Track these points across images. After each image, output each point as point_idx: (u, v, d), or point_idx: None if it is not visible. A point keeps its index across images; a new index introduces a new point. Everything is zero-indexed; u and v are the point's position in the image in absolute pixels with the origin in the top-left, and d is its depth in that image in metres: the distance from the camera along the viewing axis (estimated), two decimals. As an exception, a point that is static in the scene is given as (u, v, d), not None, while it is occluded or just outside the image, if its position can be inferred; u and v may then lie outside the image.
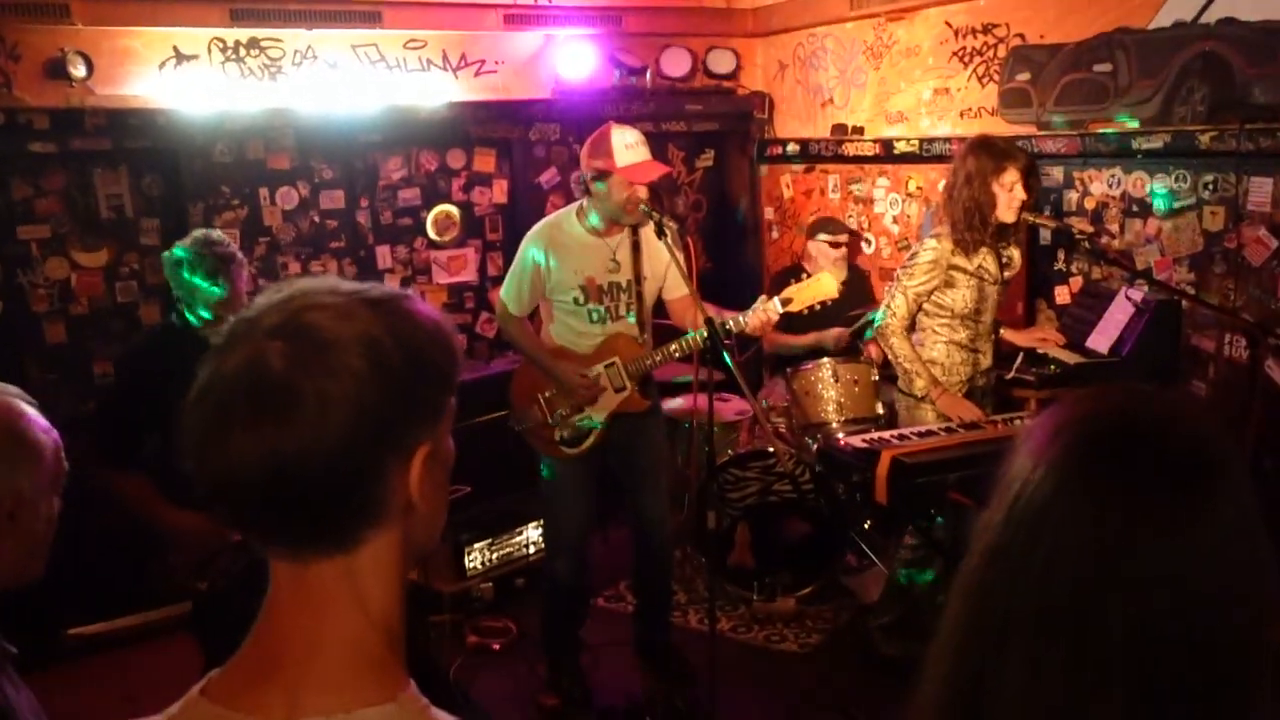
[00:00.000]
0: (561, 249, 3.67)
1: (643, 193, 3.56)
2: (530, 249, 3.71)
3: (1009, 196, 3.73)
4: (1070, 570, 0.89)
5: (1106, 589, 0.87)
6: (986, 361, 3.98)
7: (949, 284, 3.83)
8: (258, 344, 0.89)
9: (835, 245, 5.11)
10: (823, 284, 3.58)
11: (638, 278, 3.72)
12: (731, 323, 3.51)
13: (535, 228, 3.77)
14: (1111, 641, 0.87)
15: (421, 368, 0.94)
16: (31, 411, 1.56)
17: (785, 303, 3.54)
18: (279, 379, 0.87)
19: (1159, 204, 4.30)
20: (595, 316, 3.71)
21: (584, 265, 3.66)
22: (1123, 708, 0.86)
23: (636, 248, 3.71)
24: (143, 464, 3.04)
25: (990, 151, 3.77)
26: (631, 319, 3.74)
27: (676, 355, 3.70)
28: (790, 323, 4.99)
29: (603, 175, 3.54)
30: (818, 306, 3.66)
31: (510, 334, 3.86)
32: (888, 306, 3.87)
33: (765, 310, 3.51)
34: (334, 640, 0.93)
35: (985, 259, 3.84)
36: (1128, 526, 0.87)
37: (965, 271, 3.82)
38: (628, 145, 3.52)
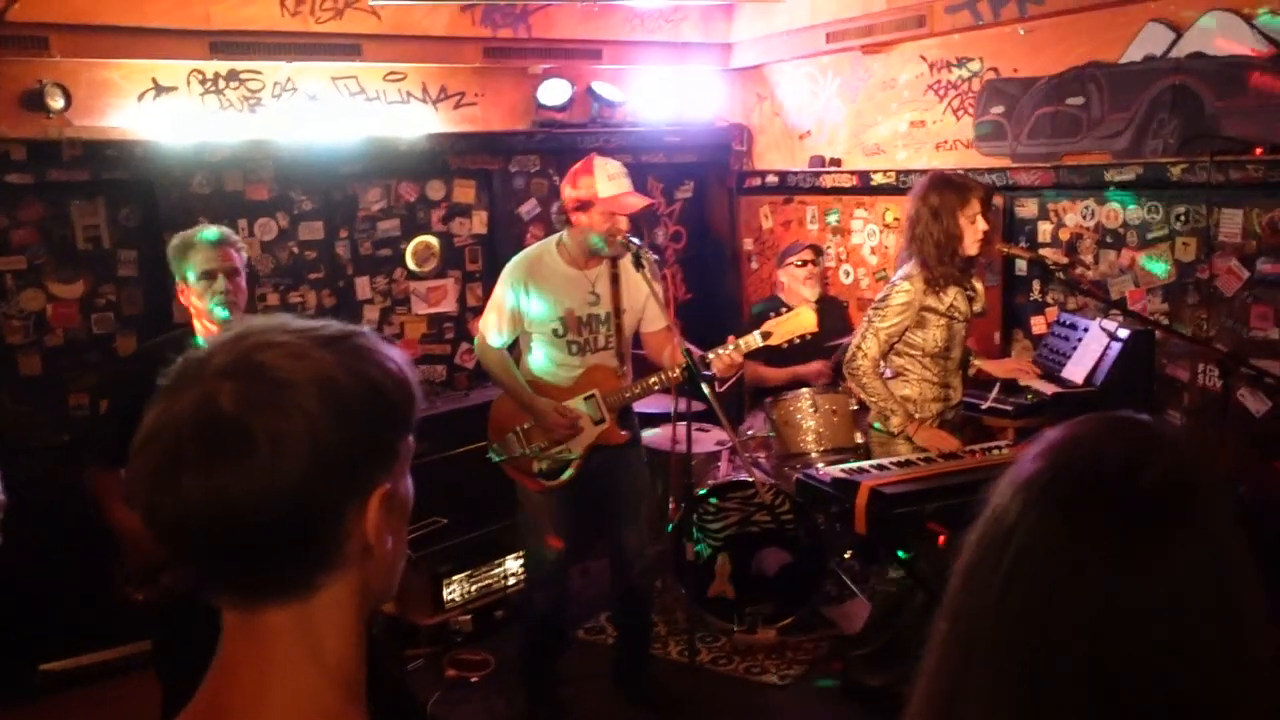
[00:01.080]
0: (541, 281, 3.67)
1: (624, 224, 3.57)
2: (510, 281, 3.71)
3: (974, 229, 3.78)
4: (1024, 598, 0.86)
5: (1060, 621, 0.84)
6: (957, 396, 4.01)
7: (920, 324, 3.86)
8: (208, 384, 0.87)
9: (801, 265, 5.14)
10: (802, 318, 3.60)
11: (617, 310, 3.72)
12: (711, 355, 3.53)
13: (515, 260, 3.76)
14: (1063, 682, 0.83)
15: (378, 407, 0.92)
16: None
17: (766, 335, 3.56)
18: (230, 420, 0.85)
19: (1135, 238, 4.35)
20: (574, 349, 3.70)
21: (563, 297, 3.67)
22: None
23: (615, 280, 3.72)
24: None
25: (952, 186, 3.81)
26: (610, 351, 3.75)
27: (656, 388, 3.70)
28: (769, 356, 5.01)
29: (585, 206, 3.55)
30: (797, 340, 3.68)
31: (489, 366, 3.84)
32: (859, 347, 3.88)
33: (731, 354, 3.52)
34: (284, 694, 0.90)
35: (956, 298, 3.88)
36: (1085, 558, 0.84)
37: (937, 312, 3.84)
38: (610, 176, 3.54)
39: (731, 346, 3.53)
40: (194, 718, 0.92)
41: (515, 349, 3.89)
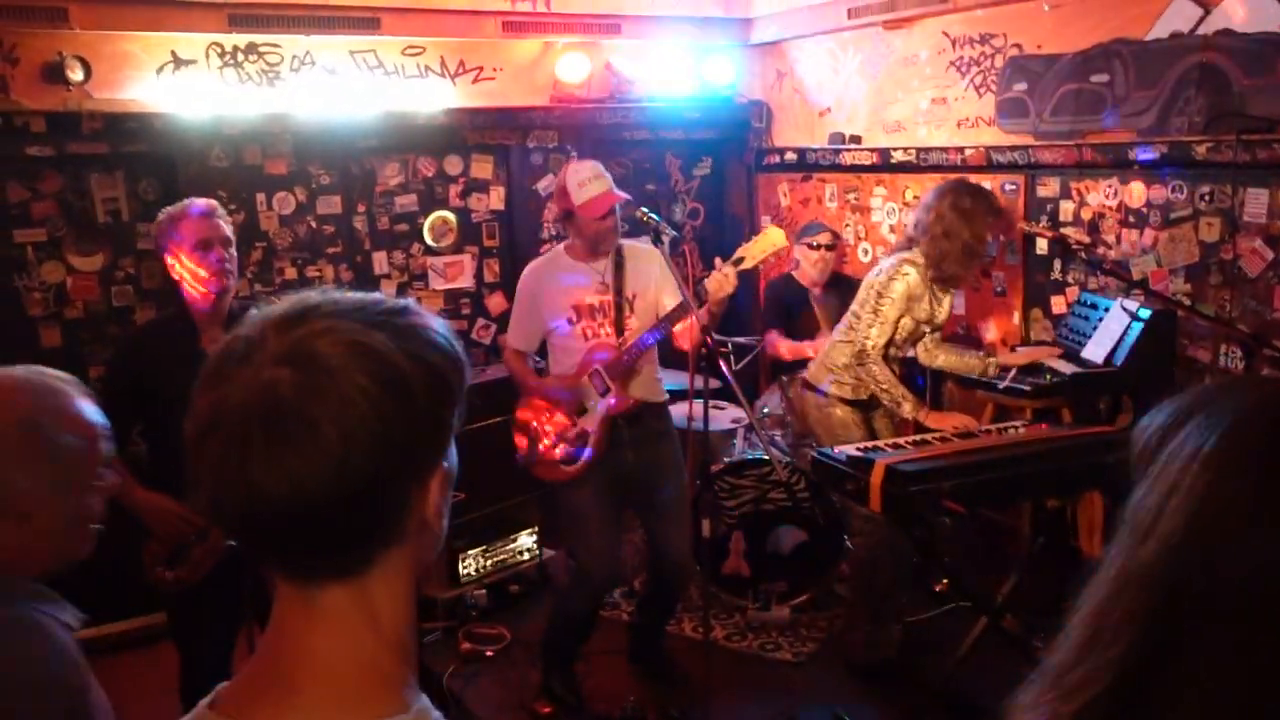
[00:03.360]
0: (550, 281, 3.82)
1: (610, 223, 3.67)
2: (523, 288, 3.89)
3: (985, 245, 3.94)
4: (1199, 541, 0.85)
5: (1232, 564, 0.83)
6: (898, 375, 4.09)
7: (908, 312, 3.94)
8: (265, 372, 0.86)
9: (813, 248, 5.12)
10: (770, 236, 3.60)
11: (618, 291, 3.78)
12: (701, 291, 3.55)
13: (529, 267, 3.94)
14: (1221, 623, 0.83)
15: (435, 386, 0.92)
16: (68, 404, 1.56)
17: (738, 262, 3.57)
18: (294, 409, 0.84)
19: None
20: (588, 335, 3.79)
21: (573, 290, 3.78)
22: None
23: (619, 267, 3.80)
24: (123, 447, 3.06)
25: (990, 202, 3.96)
26: (613, 332, 3.80)
27: (650, 342, 3.73)
28: (788, 322, 5.01)
29: (569, 217, 3.72)
30: (771, 258, 3.68)
31: (511, 370, 3.99)
32: (865, 337, 3.90)
33: (722, 273, 3.54)
34: (346, 661, 0.92)
35: (944, 303, 3.99)
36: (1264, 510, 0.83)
37: (921, 307, 3.94)
38: (581, 184, 3.64)
39: (719, 272, 3.55)
40: (257, 677, 0.94)
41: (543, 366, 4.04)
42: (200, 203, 3.15)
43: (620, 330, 3.78)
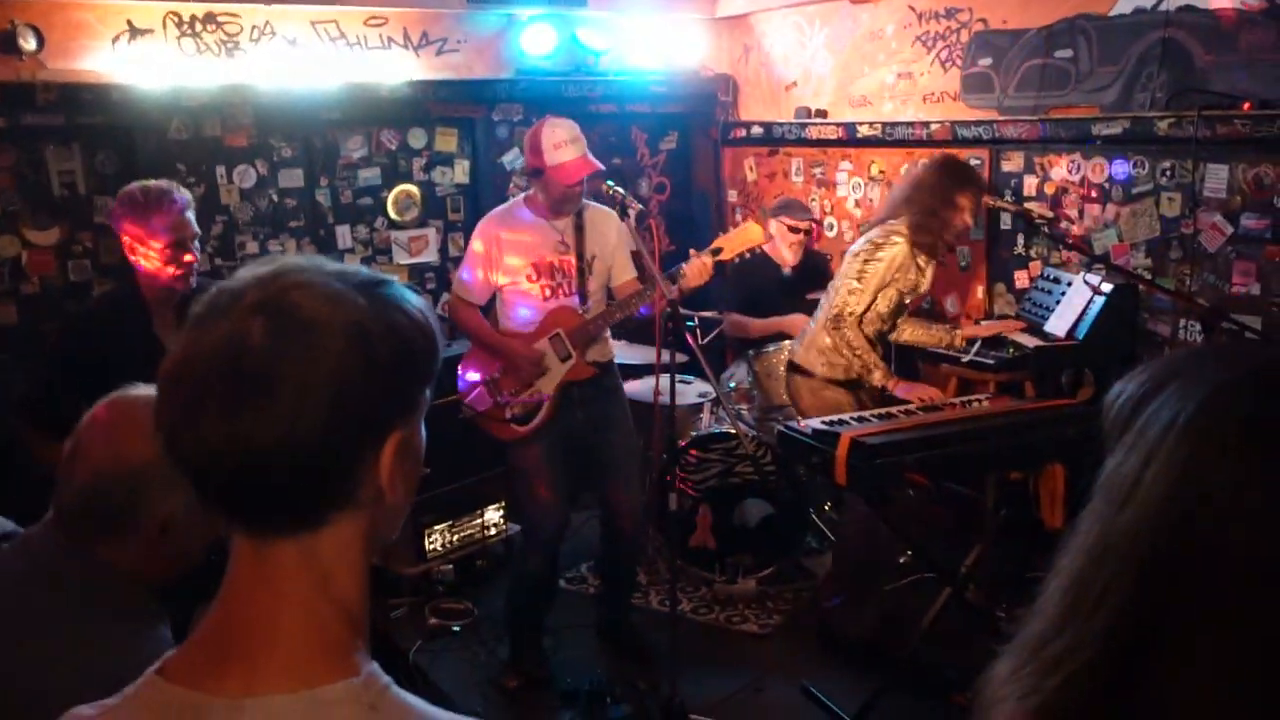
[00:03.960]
0: (511, 233, 3.75)
1: (576, 189, 3.65)
2: (481, 236, 3.78)
3: (966, 219, 3.94)
4: (1183, 497, 0.84)
5: (1219, 519, 0.82)
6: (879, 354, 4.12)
7: (893, 282, 3.94)
8: (238, 320, 0.87)
9: (794, 230, 5.11)
10: (749, 232, 3.64)
11: (580, 255, 3.77)
12: (677, 274, 3.55)
13: (486, 216, 3.85)
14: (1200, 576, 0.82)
15: (404, 358, 0.93)
16: None
17: (716, 252, 3.60)
18: (257, 361, 0.85)
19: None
20: (548, 293, 3.77)
21: (533, 246, 3.73)
22: None
23: (580, 229, 3.78)
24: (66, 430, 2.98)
25: (971, 172, 3.99)
26: (576, 296, 3.79)
27: (618, 316, 3.75)
28: (753, 308, 5.00)
29: (537, 173, 3.65)
30: (747, 254, 3.71)
31: (460, 319, 3.90)
32: (844, 301, 3.90)
33: (700, 261, 3.55)
34: (293, 620, 0.92)
35: (927, 273, 3.99)
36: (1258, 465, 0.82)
37: (912, 272, 3.95)
38: (557, 145, 3.59)
39: (696, 260, 3.56)
40: (205, 640, 0.94)
41: (490, 311, 3.93)
42: (179, 196, 2.99)
43: (583, 294, 3.77)
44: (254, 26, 4.82)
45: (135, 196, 2.96)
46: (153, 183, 3.02)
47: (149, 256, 2.96)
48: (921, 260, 3.94)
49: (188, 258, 2.97)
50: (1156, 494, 0.87)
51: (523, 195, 3.85)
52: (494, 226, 3.77)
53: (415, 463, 1.01)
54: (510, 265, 3.74)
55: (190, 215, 3.00)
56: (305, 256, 0.96)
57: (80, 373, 2.87)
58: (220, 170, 4.93)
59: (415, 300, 0.97)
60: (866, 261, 3.91)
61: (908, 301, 4.04)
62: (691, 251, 3.62)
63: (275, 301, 0.88)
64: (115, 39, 4.51)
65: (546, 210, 3.74)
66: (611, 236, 3.80)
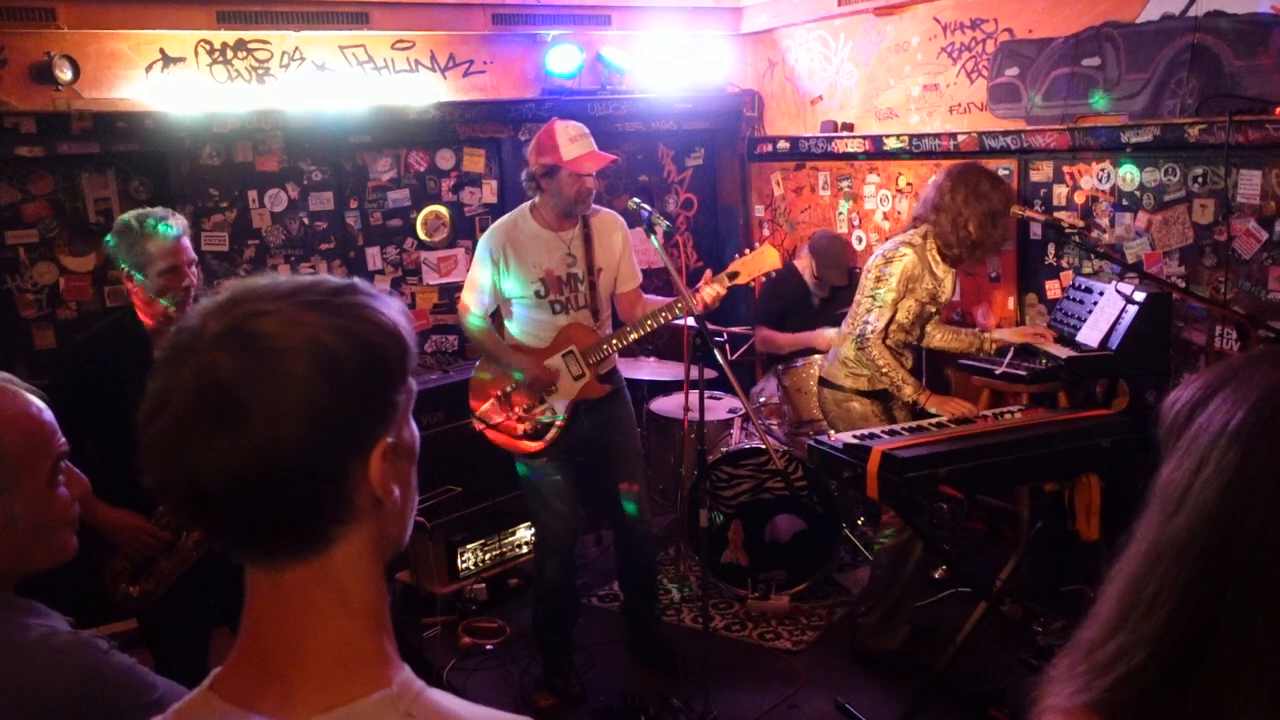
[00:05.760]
0: (518, 246, 3.72)
1: (592, 183, 3.64)
2: (487, 249, 3.75)
3: (998, 231, 3.92)
4: (1237, 503, 0.85)
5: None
6: (910, 365, 4.09)
7: (910, 293, 3.93)
8: (204, 355, 0.88)
9: (822, 281, 5.10)
10: (767, 257, 3.62)
11: (590, 268, 3.77)
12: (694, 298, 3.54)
13: (490, 228, 3.82)
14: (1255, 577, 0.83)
15: (372, 365, 0.93)
16: (7, 404, 1.45)
17: (732, 276, 3.58)
18: (227, 391, 0.87)
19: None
20: (557, 308, 3.75)
21: (541, 259, 3.72)
22: None
23: (588, 240, 3.77)
24: (79, 462, 2.95)
25: (1000, 181, 3.93)
26: (587, 310, 3.79)
27: (633, 337, 3.74)
28: (783, 323, 5.00)
29: (551, 170, 3.62)
30: (762, 278, 3.72)
31: (471, 334, 3.89)
32: (865, 321, 3.90)
33: (714, 285, 3.55)
34: (319, 642, 0.93)
35: (946, 281, 3.96)
36: None
37: (924, 287, 3.93)
38: (572, 139, 3.59)
39: (710, 284, 3.56)
40: (236, 670, 0.95)
41: (497, 320, 3.93)
42: (169, 223, 2.92)
43: (594, 308, 3.78)
44: (284, 53, 4.89)
45: (128, 224, 2.92)
46: (147, 210, 2.97)
47: (145, 287, 2.92)
48: (939, 268, 3.91)
49: (185, 283, 2.93)
50: (1207, 499, 0.87)
51: (527, 206, 3.80)
52: (501, 239, 3.73)
53: (409, 460, 1.01)
54: (519, 278, 3.72)
55: (186, 241, 2.95)
56: (262, 275, 0.97)
57: (82, 405, 2.82)
58: (252, 194, 5.00)
59: (382, 304, 0.97)
60: (879, 278, 3.91)
61: (932, 309, 4.01)
62: (707, 274, 3.60)
63: (235, 332, 0.89)
64: (149, 68, 4.59)
65: (554, 220, 3.72)
66: (617, 245, 3.80)
